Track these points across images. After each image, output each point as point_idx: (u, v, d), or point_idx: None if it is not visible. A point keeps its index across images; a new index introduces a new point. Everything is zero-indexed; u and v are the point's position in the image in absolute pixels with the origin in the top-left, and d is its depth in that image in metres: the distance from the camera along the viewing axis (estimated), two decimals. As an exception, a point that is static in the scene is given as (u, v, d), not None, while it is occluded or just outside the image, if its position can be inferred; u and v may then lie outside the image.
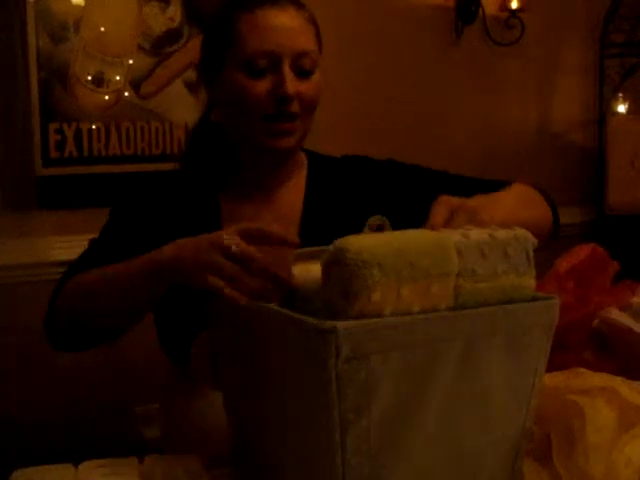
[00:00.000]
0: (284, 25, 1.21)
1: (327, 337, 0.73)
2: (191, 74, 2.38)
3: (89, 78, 2.28)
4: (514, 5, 2.76)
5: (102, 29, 2.28)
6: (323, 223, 1.27)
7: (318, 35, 1.28)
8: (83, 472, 0.98)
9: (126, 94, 2.33)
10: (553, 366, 0.93)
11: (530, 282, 0.86)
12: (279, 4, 1.23)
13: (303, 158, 1.37)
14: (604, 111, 2.98)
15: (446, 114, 2.76)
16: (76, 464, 1.01)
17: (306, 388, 0.79)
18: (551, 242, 1.29)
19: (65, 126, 2.26)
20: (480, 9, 2.74)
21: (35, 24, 2.20)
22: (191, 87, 2.39)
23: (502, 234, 0.84)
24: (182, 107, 2.37)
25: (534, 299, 0.87)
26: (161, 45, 2.36)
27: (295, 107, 1.22)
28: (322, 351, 0.74)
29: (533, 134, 2.94)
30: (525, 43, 2.83)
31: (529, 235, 0.86)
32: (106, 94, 2.32)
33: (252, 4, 1.23)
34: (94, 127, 2.30)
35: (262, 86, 1.20)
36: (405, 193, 1.31)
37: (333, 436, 0.77)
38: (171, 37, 2.37)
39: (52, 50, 2.23)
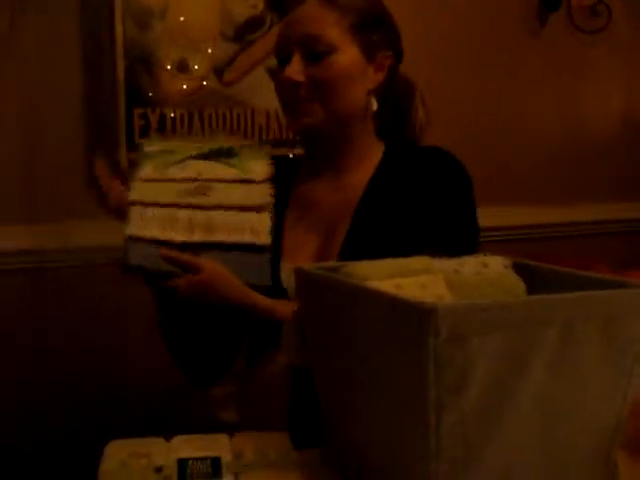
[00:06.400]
0: (298, 16, 1.30)
1: (427, 317, 0.73)
2: (273, 61, 2.39)
3: (173, 65, 2.32)
4: (601, -9, 2.70)
5: (186, 16, 2.32)
6: (378, 212, 1.29)
7: (344, 19, 1.29)
8: (176, 445, 0.99)
9: (208, 81, 2.36)
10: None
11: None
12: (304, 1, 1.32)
13: (377, 145, 1.37)
14: (693, 102, 2.90)
15: (529, 104, 2.71)
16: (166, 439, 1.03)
17: (402, 369, 0.79)
18: None
19: (149, 111, 2.30)
20: (565, -4, 2.69)
21: (122, 12, 2.25)
22: (273, 74, 2.41)
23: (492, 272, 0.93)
24: (264, 93, 2.38)
25: (628, 286, 0.86)
26: (243, 32, 2.38)
27: (304, 91, 1.28)
28: (421, 331, 0.74)
29: (618, 125, 2.87)
30: (612, 31, 2.76)
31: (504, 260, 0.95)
32: (189, 81, 2.35)
33: (288, 9, 1.36)
34: (177, 113, 2.33)
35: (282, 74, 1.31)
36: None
37: (428, 417, 0.77)
38: (253, 24, 2.39)
39: (137, 37, 2.27)
